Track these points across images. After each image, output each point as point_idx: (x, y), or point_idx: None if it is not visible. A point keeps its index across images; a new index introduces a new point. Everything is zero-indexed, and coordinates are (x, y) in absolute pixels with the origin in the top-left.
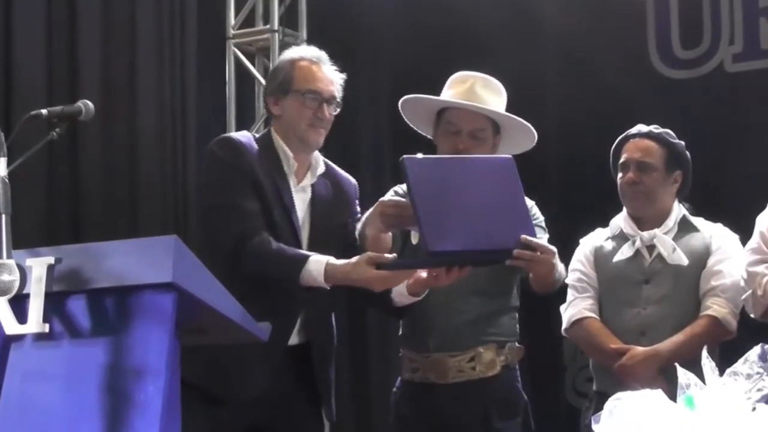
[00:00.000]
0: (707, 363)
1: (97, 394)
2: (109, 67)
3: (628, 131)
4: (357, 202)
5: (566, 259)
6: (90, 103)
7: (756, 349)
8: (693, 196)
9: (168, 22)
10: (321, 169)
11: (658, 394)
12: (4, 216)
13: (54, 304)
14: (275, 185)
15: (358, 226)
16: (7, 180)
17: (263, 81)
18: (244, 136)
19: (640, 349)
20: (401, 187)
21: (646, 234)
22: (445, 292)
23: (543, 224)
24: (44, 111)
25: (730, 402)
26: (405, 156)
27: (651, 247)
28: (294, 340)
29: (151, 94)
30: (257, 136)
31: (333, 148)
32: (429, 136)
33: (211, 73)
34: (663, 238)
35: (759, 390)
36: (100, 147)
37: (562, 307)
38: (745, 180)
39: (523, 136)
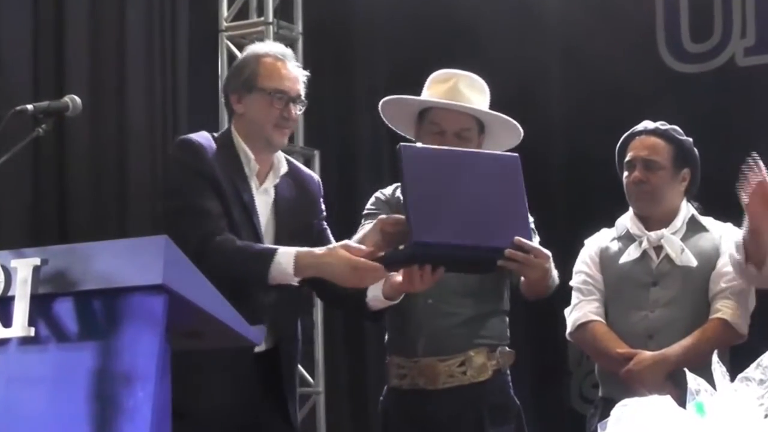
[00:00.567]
0: (718, 368)
1: (84, 400)
2: (98, 61)
3: (634, 128)
4: (321, 200)
5: (572, 260)
6: (77, 99)
7: None
8: (703, 194)
9: (158, 14)
10: (284, 169)
11: (667, 401)
12: None
13: (40, 306)
14: (235, 187)
15: (354, 239)
16: None
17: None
18: (202, 137)
19: (647, 353)
20: (383, 193)
21: (653, 234)
22: (434, 295)
23: (533, 225)
24: (30, 106)
25: (742, 408)
26: (402, 144)
27: (658, 248)
28: (260, 346)
29: (141, 89)
30: (216, 135)
31: (330, 145)
32: (410, 137)
33: (203, 68)
34: (671, 238)
35: None
36: (88, 144)
37: (567, 310)
38: None
39: (508, 133)
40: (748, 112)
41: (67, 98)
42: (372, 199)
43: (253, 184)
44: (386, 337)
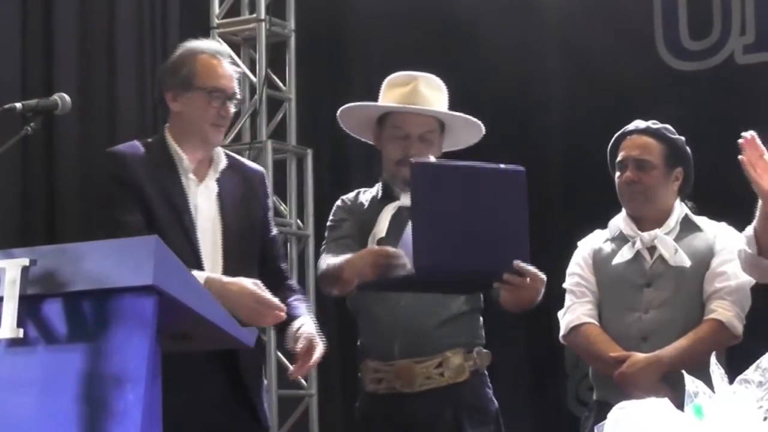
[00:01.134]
0: (716, 370)
1: (73, 403)
2: (87, 59)
3: (625, 127)
4: (268, 193)
5: (569, 260)
6: (66, 97)
7: None
8: (701, 193)
9: (149, 10)
10: (223, 163)
11: (664, 403)
12: None
13: (29, 308)
14: (164, 189)
15: (331, 262)
16: None
17: (250, 74)
18: (129, 146)
19: (640, 355)
20: (346, 199)
21: (646, 235)
22: (409, 296)
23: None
24: (18, 104)
25: (741, 411)
26: (414, 160)
27: (652, 249)
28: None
29: (131, 88)
30: (150, 140)
31: (322, 144)
32: (370, 142)
33: None
34: (664, 238)
35: None
36: (77, 143)
37: (560, 313)
38: None
39: (470, 131)
40: (747, 110)
41: (56, 96)
42: (334, 209)
43: (191, 183)
44: (359, 342)
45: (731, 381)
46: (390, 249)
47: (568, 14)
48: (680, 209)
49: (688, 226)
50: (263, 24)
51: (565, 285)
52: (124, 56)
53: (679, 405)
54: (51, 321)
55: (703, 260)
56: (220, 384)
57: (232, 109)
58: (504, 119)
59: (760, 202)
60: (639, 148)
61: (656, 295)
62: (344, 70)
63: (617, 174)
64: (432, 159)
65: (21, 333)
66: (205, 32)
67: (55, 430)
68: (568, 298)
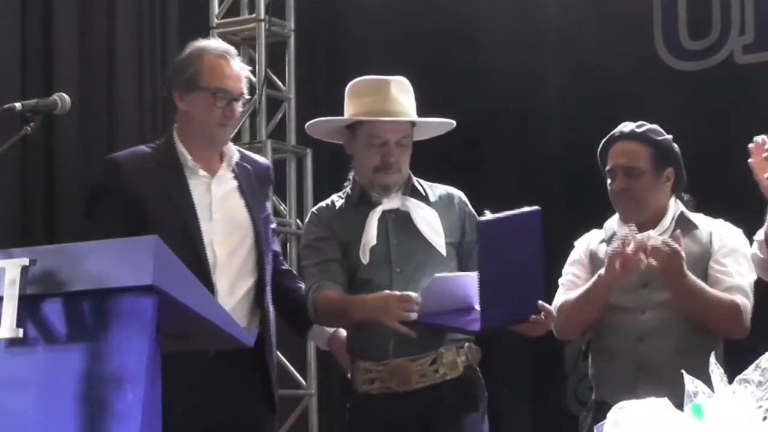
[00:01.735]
0: (716, 369)
1: (73, 403)
2: (87, 59)
3: (612, 132)
4: (271, 186)
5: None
6: (66, 96)
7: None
8: (701, 191)
9: (148, 10)
10: (236, 157)
11: (664, 403)
12: None
13: (28, 308)
14: (166, 191)
15: (331, 295)
16: None
17: (249, 74)
18: (131, 151)
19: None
20: (317, 212)
21: (638, 237)
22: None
23: (475, 214)
24: (18, 104)
25: (741, 411)
26: (480, 219)
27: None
28: None
29: (131, 88)
30: (159, 142)
31: (322, 144)
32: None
33: None
34: (657, 239)
35: None
36: (77, 142)
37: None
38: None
39: (439, 127)
40: (746, 110)
41: (55, 96)
42: (308, 226)
43: (201, 180)
44: (347, 344)
45: (730, 381)
46: (414, 297)
47: (568, 14)
48: (675, 208)
49: (683, 224)
50: (263, 24)
51: (559, 281)
52: (123, 56)
53: (680, 405)
54: (50, 321)
55: (700, 258)
56: (249, 377)
57: (239, 109)
58: (503, 119)
59: None
60: (626, 155)
61: (653, 296)
62: (344, 70)
63: (608, 181)
64: (489, 214)
65: (20, 333)
66: (204, 32)
67: (55, 430)
68: (558, 292)
